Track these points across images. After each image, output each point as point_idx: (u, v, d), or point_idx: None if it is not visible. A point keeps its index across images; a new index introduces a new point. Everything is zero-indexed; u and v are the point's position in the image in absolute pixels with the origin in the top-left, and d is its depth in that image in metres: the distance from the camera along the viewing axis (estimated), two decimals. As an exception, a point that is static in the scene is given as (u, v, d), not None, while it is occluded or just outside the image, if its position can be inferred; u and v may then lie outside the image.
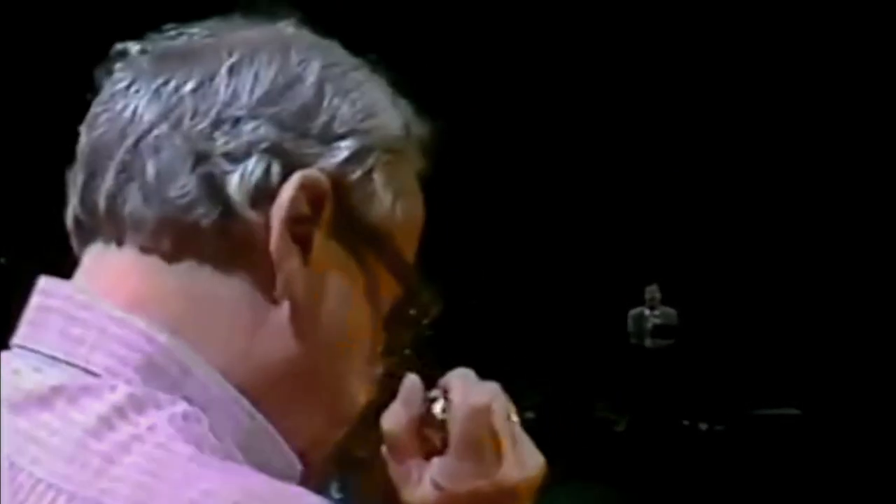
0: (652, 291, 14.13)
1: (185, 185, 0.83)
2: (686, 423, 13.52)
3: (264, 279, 0.84)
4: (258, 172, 0.84)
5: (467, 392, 0.94)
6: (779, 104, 15.14)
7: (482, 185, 15.25)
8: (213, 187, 0.84)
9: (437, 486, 0.93)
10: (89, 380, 0.81)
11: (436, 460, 0.93)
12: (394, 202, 0.89)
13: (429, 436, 0.93)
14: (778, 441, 11.79)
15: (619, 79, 15.18)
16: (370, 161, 0.87)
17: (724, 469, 10.65)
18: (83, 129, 0.89)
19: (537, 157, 15.16)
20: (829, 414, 12.35)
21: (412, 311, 0.92)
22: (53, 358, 0.83)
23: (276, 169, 0.84)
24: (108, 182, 0.85)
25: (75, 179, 0.89)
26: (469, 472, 0.92)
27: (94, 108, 0.89)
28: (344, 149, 0.86)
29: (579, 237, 15.47)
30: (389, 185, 0.88)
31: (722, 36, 14.81)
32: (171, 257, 0.84)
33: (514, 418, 0.95)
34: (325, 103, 0.87)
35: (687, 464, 11.02)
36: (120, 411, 0.78)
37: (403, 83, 0.93)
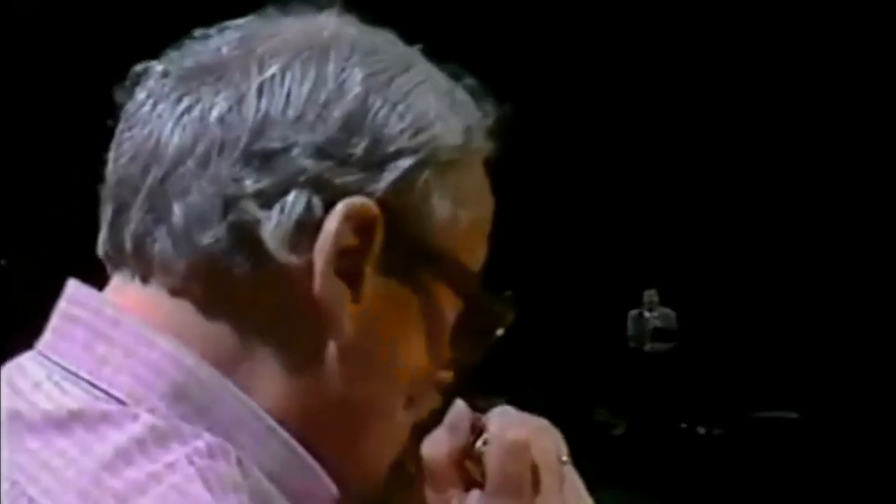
0: (650, 295, 14.13)
1: (215, 233, 0.77)
2: (685, 426, 13.52)
3: (308, 323, 0.79)
4: (297, 210, 0.77)
5: (505, 427, 0.87)
6: (775, 111, 15.14)
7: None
8: (246, 236, 0.77)
9: None
10: (110, 406, 0.77)
11: (474, 493, 0.87)
12: (453, 213, 0.82)
13: (470, 468, 0.87)
14: (776, 444, 11.79)
15: (617, 85, 15.18)
16: (423, 177, 0.80)
17: (723, 472, 10.65)
18: (110, 153, 0.83)
19: (538, 161, 15.17)
20: (828, 417, 12.36)
21: (482, 323, 0.86)
22: (76, 375, 0.78)
23: (316, 202, 0.77)
24: (134, 221, 0.80)
25: (105, 209, 0.83)
26: None
27: (119, 133, 0.83)
28: (393, 170, 0.78)
29: (578, 241, 15.47)
30: (447, 195, 0.81)
31: (719, 46, 14.82)
32: (203, 302, 0.79)
33: (565, 458, 0.88)
34: (370, 121, 0.78)
35: (685, 467, 11.03)
36: (140, 444, 0.74)
37: (464, 68, 0.85)
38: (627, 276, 14.52)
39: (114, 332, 0.79)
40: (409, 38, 0.87)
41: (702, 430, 13.39)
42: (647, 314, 14.25)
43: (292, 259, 0.77)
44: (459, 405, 0.88)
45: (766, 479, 10.32)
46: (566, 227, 15.52)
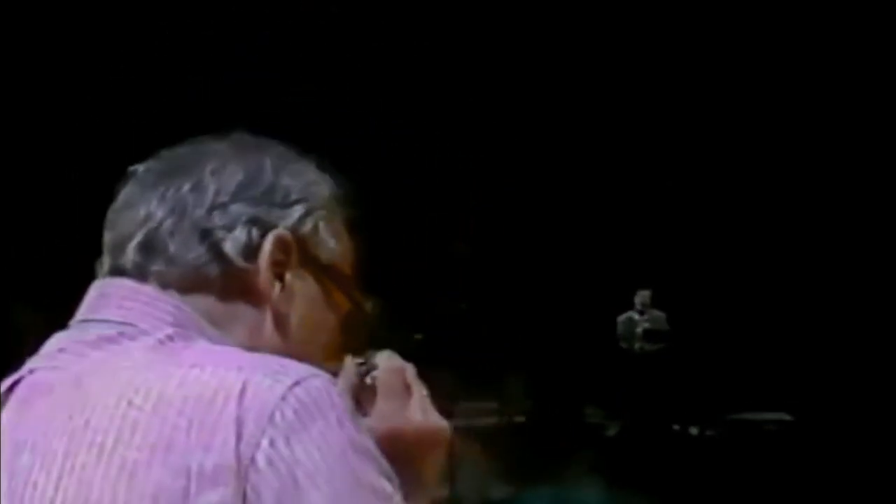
0: (643, 296, 14.12)
1: (197, 253, 1.27)
2: (677, 427, 13.54)
3: (256, 303, 1.29)
4: (244, 237, 1.27)
5: (389, 359, 1.37)
6: (768, 114, 15.17)
7: (475, 192, 15.25)
8: (217, 252, 1.27)
9: (368, 429, 1.26)
10: (143, 329, 1.23)
11: (370, 415, 1.33)
12: (333, 244, 1.34)
13: (362, 399, 1.33)
14: (769, 446, 11.82)
15: (610, 88, 15.20)
16: (315, 217, 1.32)
17: (715, 473, 10.68)
18: (106, 229, 1.31)
19: (530, 163, 15.18)
20: (820, 419, 12.39)
21: (361, 314, 1.37)
22: (115, 322, 1.24)
23: (255, 232, 1.28)
24: (131, 255, 1.27)
25: (106, 254, 1.30)
26: (389, 413, 1.33)
27: (113, 213, 1.31)
28: (297, 211, 1.31)
29: (569, 243, 15.48)
30: (329, 231, 1.33)
31: (713, 50, 14.85)
32: (187, 293, 1.26)
33: (425, 393, 1.35)
34: (279, 185, 1.31)
35: (678, 468, 11.05)
36: (169, 338, 1.22)
37: (327, 162, 1.37)
38: (619, 277, 14.54)
39: (136, 295, 1.26)
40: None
41: (694, 432, 13.41)
42: (636, 317, 14.25)
43: (246, 265, 1.27)
44: (348, 360, 1.36)
45: (759, 480, 10.34)
46: (559, 229, 15.54)
